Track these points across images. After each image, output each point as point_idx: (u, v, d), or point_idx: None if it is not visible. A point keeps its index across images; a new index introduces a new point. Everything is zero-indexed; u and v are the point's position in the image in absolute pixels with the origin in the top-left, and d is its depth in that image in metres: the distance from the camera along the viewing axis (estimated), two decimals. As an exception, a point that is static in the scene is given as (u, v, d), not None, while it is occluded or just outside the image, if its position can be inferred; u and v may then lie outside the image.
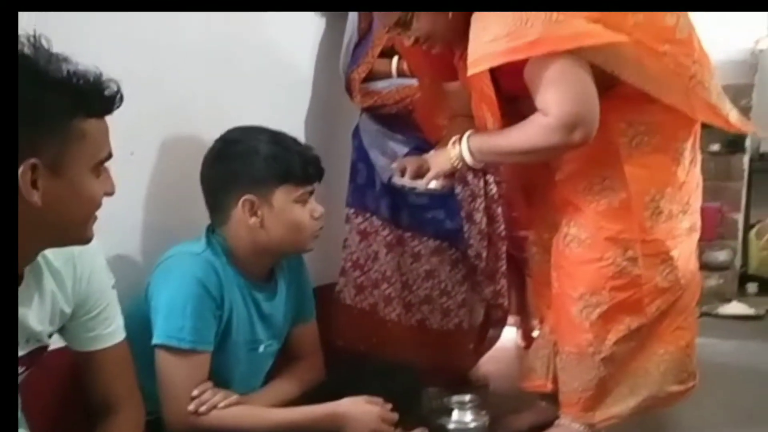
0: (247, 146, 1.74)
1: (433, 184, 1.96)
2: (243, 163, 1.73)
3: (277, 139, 1.78)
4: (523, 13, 1.64)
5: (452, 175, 1.99)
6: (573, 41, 1.64)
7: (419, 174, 1.97)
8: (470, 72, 1.73)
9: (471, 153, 1.85)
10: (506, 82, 1.82)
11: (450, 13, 1.79)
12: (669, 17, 1.77)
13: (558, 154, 1.84)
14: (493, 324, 2.76)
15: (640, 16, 1.72)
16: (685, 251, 1.93)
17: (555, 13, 1.63)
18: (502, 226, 2.66)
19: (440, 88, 2.18)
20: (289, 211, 1.75)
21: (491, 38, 1.67)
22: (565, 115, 1.68)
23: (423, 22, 1.82)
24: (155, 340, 1.64)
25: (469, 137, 1.86)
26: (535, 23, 1.63)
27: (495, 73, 1.79)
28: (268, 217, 1.74)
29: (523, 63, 1.70)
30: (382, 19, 1.94)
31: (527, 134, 1.75)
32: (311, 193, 1.80)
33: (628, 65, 1.74)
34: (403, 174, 2.01)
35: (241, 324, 1.78)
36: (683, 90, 1.80)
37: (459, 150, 1.87)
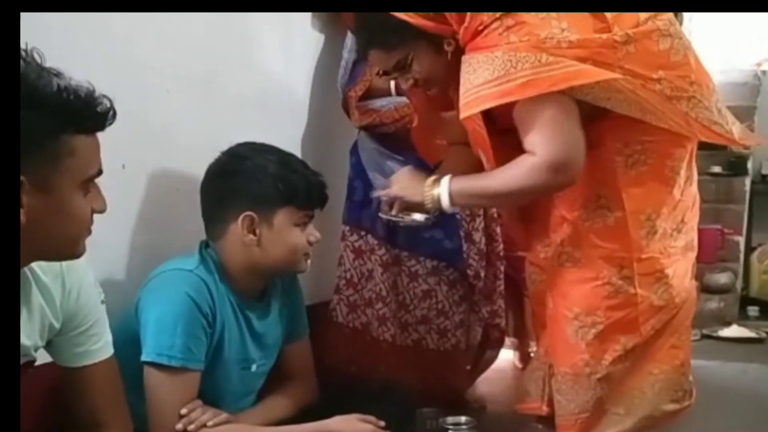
0: (256, 164, 1.74)
1: (419, 217, 1.94)
2: (249, 180, 1.73)
3: (286, 160, 1.79)
4: (512, 55, 1.66)
5: (409, 209, 1.96)
6: (562, 82, 1.66)
7: (406, 207, 1.96)
8: (462, 116, 1.76)
9: (450, 196, 1.84)
10: (501, 118, 1.83)
11: (449, 54, 1.82)
12: (662, 42, 1.77)
13: (540, 196, 1.86)
14: (491, 345, 2.75)
15: (632, 47, 1.73)
16: (680, 269, 1.92)
17: (544, 55, 1.65)
18: (501, 246, 2.65)
19: (437, 117, 2.17)
20: (287, 233, 1.75)
21: (481, 81, 1.69)
22: (552, 155, 1.69)
23: (422, 65, 1.85)
24: (144, 357, 1.62)
25: (451, 180, 1.85)
26: (524, 66, 1.65)
27: (489, 110, 1.79)
28: (266, 237, 1.73)
29: (515, 102, 1.71)
30: (378, 64, 1.95)
31: (513, 175, 1.76)
32: (311, 218, 1.80)
33: (621, 97, 1.74)
34: (391, 207, 1.99)
35: (232, 342, 1.76)
36: (681, 115, 1.80)
37: (437, 192, 1.85)
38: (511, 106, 1.72)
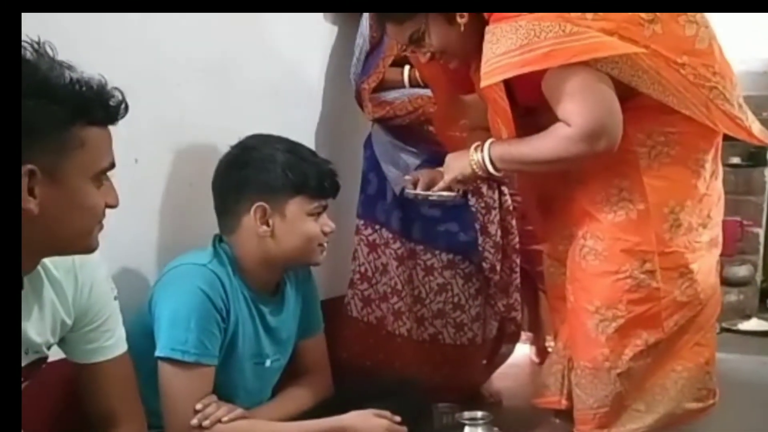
0: (264, 154, 1.74)
1: (446, 193, 1.95)
2: (258, 170, 1.72)
3: (295, 149, 1.78)
4: (536, 24, 1.64)
5: (466, 184, 1.98)
6: (586, 53, 1.64)
7: (431, 186, 1.97)
8: (483, 84, 1.74)
9: (492, 161, 1.83)
10: (522, 94, 1.82)
11: (462, 26, 1.79)
12: (688, 27, 1.75)
13: (581, 163, 1.82)
14: (507, 339, 2.73)
15: (658, 27, 1.71)
16: (705, 265, 1.89)
17: (568, 25, 1.63)
18: (517, 239, 2.63)
19: (457, 101, 2.17)
20: (300, 224, 1.73)
21: (503, 51, 1.68)
22: (588, 126, 1.67)
23: (435, 37, 1.83)
24: (158, 353, 1.62)
25: (491, 145, 1.85)
26: (548, 35, 1.63)
27: (510, 85, 1.79)
28: (279, 227, 1.72)
29: (539, 75, 1.70)
30: (395, 37, 1.96)
31: (550, 144, 1.74)
32: (324, 207, 1.78)
33: (645, 77, 1.72)
34: (415, 186, 2.00)
35: (246, 337, 1.75)
36: (703, 101, 1.78)
37: (480, 157, 1.84)
38: (533, 80, 1.70)
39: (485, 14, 1.76)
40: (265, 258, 1.75)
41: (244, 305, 1.75)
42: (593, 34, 1.64)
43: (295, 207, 1.73)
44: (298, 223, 1.73)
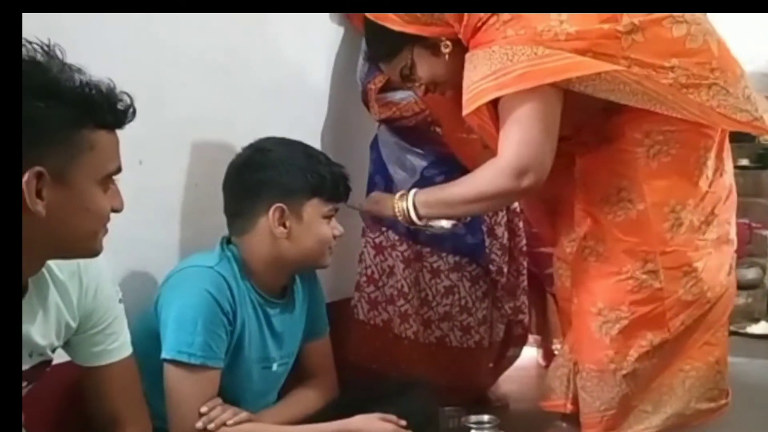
0: (282, 156, 1.75)
1: (446, 224, 1.98)
2: (277, 172, 1.72)
3: (311, 152, 1.80)
4: (509, 48, 1.68)
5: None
6: (558, 74, 1.67)
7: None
8: (464, 112, 1.79)
9: (416, 207, 1.87)
10: None
11: (446, 56, 1.86)
12: (676, 29, 1.75)
13: (505, 202, 1.89)
14: (514, 342, 2.72)
15: (638, 35, 1.71)
16: (712, 263, 1.88)
17: (540, 48, 1.67)
18: (524, 241, 2.62)
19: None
20: (316, 226, 1.75)
21: (480, 77, 1.72)
22: (515, 159, 1.71)
23: (422, 69, 1.90)
24: (164, 355, 1.61)
25: (416, 192, 1.89)
26: (520, 59, 1.67)
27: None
28: (296, 229, 1.72)
29: None
30: (389, 74, 2.03)
31: (477, 179, 1.79)
32: (336, 210, 1.79)
33: (627, 89, 1.73)
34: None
35: (253, 340, 1.75)
36: (696, 105, 1.76)
37: (404, 206, 1.88)
38: None
39: (465, 41, 1.80)
40: (277, 259, 1.75)
41: (251, 308, 1.74)
42: (566, 55, 1.66)
43: (312, 209, 1.74)
44: (314, 225, 1.74)
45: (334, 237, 1.79)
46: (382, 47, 1.93)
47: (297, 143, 1.80)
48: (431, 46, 1.86)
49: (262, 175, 1.73)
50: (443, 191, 1.88)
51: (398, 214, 1.90)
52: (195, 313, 1.62)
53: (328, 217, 1.77)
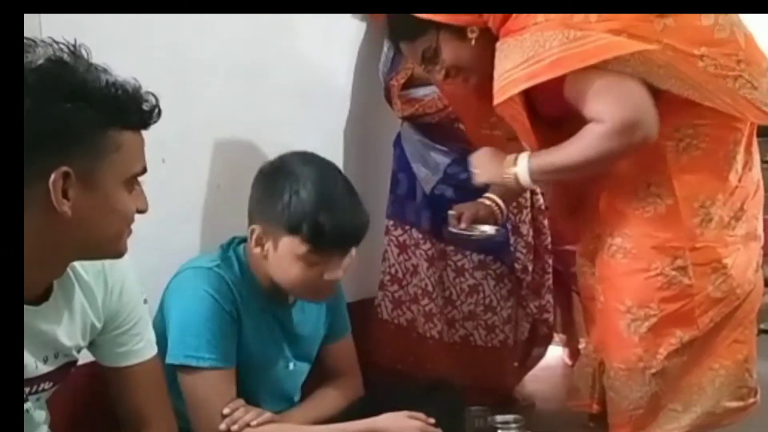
0: (281, 185, 1.63)
1: (489, 230, 1.98)
2: (262, 196, 1.67)
3: (325, 191, 1.62)
4: (540, 35, 1.65)
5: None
6: (593, 56, 1.63)
7: (475, 220, 2.00)
8: (495, 102, 1.75)
9: (531, 172, 1.79)
10: (544, 106, 1.82)
11: (473, 41, 1.82)
12: (705, 18, 1.72)
13: (619, 159, 1.79)
14: (539, 341, 2.71)
15: (670, 20, 1.68)
16: (740, 259, 1.85)
17: (572, 31, 1.63)
18: (549, 239, 2.60)
19: (486, 108, 2.13)
20: (289, 264, 1.63)
21: (511, 66, 1.69)
22: (622, 118, 1.65)
23: (447, 53, 1.86)
24: (173, 360, 1.60)
25: (530, 156, 1.80)
26: (552, 44, 1.64)
27: (532, 99, 1.78)
28: (272, 257, 1.65)
29: (558, 85, 1.69)
30: (408, 55, 1.99)
31: (585, 145, 1.71)
32: (327, 259, 1.64)
33: (662, 72, 1.69)
34: (459, 219, 2.01)
35: (264, 341, 1.74)
36: (728, 92, 1.73)
37: (517, 170, 1.80)
38: (553, 90, 1.69)
39: (495, 30, 1.77)
40: (267, 275, 1.69)
41: (258, 308, 1.72)
42: (599, 36, 1.63)
43: (286, 246, 1.62)
44: (286, 260, 1.62)
45: (325, 280, 1.65)
46: (407, 26, 1.87)
47: (329, 174, 1.68)
48: (457, 30, 1.82)
49: (255, 193, 1.68)
50: (558, 156, 1.77)
51: (507, 177, 1.81)
52: (197, 316, 1.61)
53: (308, 262, 1.61)
